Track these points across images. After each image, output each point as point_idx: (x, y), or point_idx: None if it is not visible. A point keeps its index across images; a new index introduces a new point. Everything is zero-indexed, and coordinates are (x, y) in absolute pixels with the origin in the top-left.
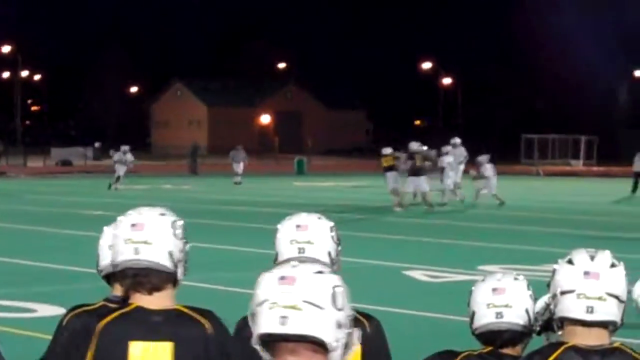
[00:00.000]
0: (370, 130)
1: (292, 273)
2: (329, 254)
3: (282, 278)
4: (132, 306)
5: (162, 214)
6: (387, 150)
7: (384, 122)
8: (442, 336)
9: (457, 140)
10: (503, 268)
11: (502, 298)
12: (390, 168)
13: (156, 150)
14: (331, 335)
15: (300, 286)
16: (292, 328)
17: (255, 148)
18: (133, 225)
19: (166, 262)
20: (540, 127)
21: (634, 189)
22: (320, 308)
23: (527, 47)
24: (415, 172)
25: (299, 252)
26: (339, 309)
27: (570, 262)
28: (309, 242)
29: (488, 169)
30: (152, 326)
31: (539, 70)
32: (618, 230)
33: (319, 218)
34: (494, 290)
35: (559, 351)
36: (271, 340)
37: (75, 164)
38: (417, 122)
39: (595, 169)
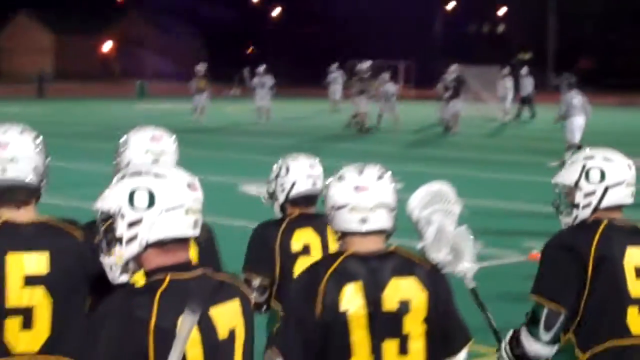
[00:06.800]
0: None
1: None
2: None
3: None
4: (1, 222)
5: (23, 132)
6: None
7: (219, 49)
8: None
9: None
10: None
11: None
12: None
13: (6, 77)
14: None
15: None
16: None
17: (97, 73)
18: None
19: (32, 178)
20: None
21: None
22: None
23: None
24: None
25: (153, 162)
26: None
27: (341, 178)
28: (163, 152)
29: None
30: (25, 238)
31: None
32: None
33: (168, 134)
34: None
35: (340, 259)
36: None
37: None
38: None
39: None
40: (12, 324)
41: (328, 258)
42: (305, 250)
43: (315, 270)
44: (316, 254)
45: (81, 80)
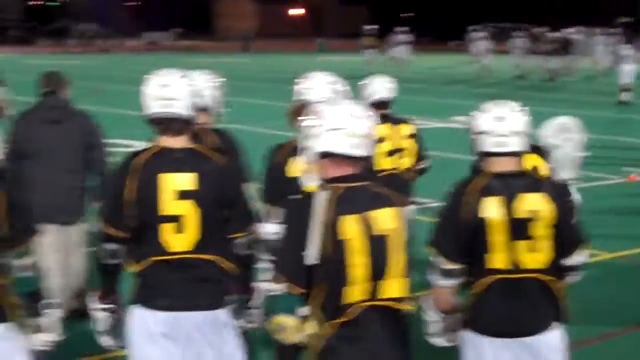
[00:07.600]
0: (373, 19)
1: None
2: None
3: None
4: (160, 147)
5: (182, 76)
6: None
7: (382, 12)
8: None
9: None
10: None
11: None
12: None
13: (218, 35)
14: None
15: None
16: None
17: (289, 33)
18: (161, 85)
19: (187, 113)
20: None
21: None
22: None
23: None
24: None
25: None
26: None
27: (483, 110)
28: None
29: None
30: (177, 161)
31: None
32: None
33: (327, 75)
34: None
35: (482, 176)
36: None
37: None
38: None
39: None
40: (167, 228)
41: (473, 176)
42: (380, 139)
43: (462, 185)
44: (388, 141)
45: (276, 38)
